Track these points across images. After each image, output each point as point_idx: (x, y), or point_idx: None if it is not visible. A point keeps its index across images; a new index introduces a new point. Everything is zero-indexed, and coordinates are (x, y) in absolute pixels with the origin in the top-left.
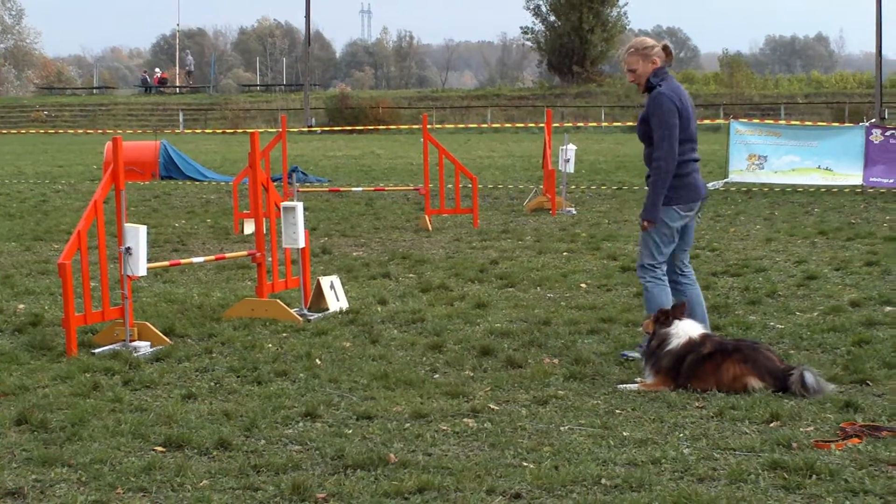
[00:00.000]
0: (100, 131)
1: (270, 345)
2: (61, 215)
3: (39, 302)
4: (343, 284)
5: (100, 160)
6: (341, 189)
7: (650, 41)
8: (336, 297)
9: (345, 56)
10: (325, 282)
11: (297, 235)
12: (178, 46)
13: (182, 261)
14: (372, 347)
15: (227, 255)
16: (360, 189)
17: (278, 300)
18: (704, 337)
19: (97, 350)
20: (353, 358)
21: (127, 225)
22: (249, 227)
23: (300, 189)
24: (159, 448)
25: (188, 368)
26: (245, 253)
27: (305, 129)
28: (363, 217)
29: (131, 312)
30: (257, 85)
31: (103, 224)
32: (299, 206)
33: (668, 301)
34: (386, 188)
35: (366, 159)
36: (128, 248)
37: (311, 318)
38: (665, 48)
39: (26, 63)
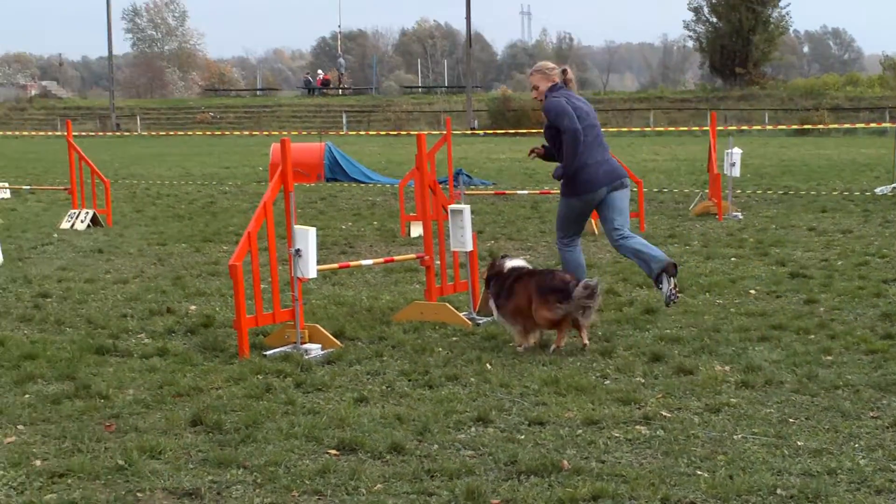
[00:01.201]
0: (264, 133)
1: (440, 348)
2: (229, 217)
3: (210, 303)
4: None
5: (265, 162)
6: (507, 192)
7: (551, 64)
8: None
9: (505, 58)
10: None
11: (465, 239)
12: (339, 48)
13: (351, 263)
14: (541, 352)
15: (396, 257)
16: (526, 192)
17: (447, 304)
18: (518, 268)
19: (269, 352)
20: (522, 363)
21: (296, 227)
22: (416, 230)
23: (466, 192)
24: (333, 451)
25: (359, 371)
26: (413, 256)
27: (468, 132)
28: (529, 220)
29: (302, 314)
30: (419, 87)
31: (273, 226)
32: (467, 209)
33: (577, 263)
34: (551, 191)
35: (528, 162)
36: (297, 250)
37: (480, 322)
38: (564, 71)
39: (190, 65)
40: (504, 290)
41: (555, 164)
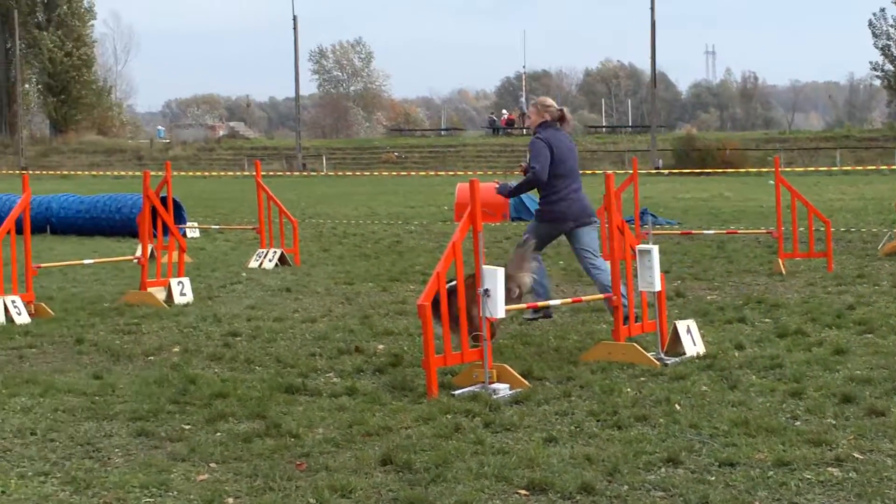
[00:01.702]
0: (449, 172)
1: (629, 389)
2: (415, 256)
3: (398, 342)
4: (699, 328)
5: (450, 201)
6: (693, 232)
7: (549, 101)
8: (692, 342)
9: (689, 97)
10: (681, 326)
11: (653, 279)
12: (524, 88)
13: (539, 303)
14: (731, 393)
15: (584, 297)
16: (712, 232)
17: (635, 344)
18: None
19: (457, 391)
20: (711, 403)
21: (485, 267)
22: None
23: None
24: (523, 491)
25: (548, 412)
26: (601, 296)
27: (653, 171)
28: (715, 260)
29: (490, 354)
30: (603, 126)
31: (462, 266)
32: (655, 249)
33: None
34: (737, 231)
35: (715, 201)
36: (486, 290)
37: (668, 362)
38: (561, 111)
39: (375, 105)
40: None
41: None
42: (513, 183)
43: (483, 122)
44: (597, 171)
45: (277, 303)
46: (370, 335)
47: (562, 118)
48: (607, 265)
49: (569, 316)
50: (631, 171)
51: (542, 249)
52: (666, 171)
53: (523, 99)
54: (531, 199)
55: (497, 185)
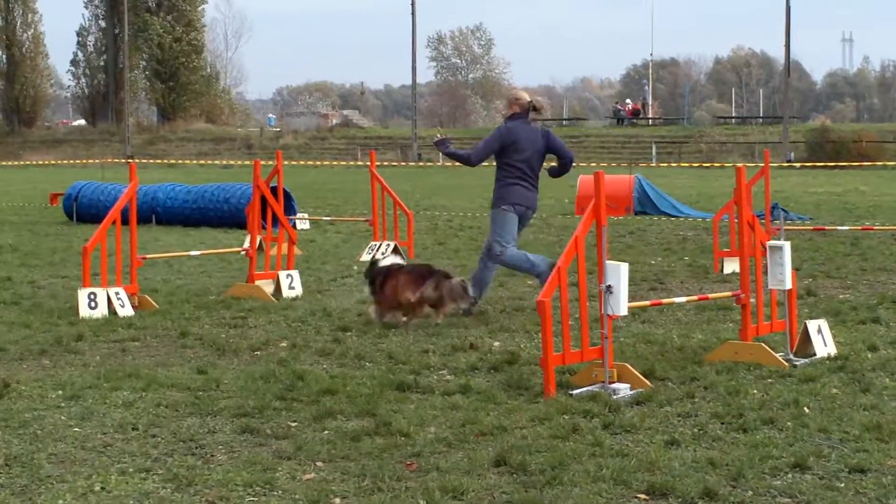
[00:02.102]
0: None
1: (755, 390)
2: (534, 250)
3: (515, 339)
4: (830, 329)
5: (571, 194)
6: (826, 228)
7: (519, 94)
8: (823, 342)
9: (824, 87)
10: (811, 325)
11: (783, 276)
12: (650, 77)
13: (664, 300)
14: (863, 396)
15: (710, 295)
16: (846, 228)
17: (763, 344)
18: (395, 266)
19: (575, 391)
20: (842, 407)
21: (608, 262)
22: (729, 267)
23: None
24: (642, 496)
25: (670, 413)
26: (729, 294)
27: (784, 164)
28: (849, 258)
29: (611, 353)
30: (732, 117)
31: (584, 261)
32: (786, 245)
33: (527, 260)
34: (873, 227)
35: (849, 196)
36: (609, 287)
37: (798, 363)
38: (531, 102)
39: (494, 94)
40: (379, 283)
41: (555, 180)
42: (454, 148)
43: (606, 112)
44: (726, 164)
45: None
46: (485, 332)
47: (533, 109)
48: (503, 260)
49: (693, 314)
50: (762, 164)
51: (517, 237)
52: (798, 164)
53: (647, 88)
54: (656, 191)
55: (437, 139)
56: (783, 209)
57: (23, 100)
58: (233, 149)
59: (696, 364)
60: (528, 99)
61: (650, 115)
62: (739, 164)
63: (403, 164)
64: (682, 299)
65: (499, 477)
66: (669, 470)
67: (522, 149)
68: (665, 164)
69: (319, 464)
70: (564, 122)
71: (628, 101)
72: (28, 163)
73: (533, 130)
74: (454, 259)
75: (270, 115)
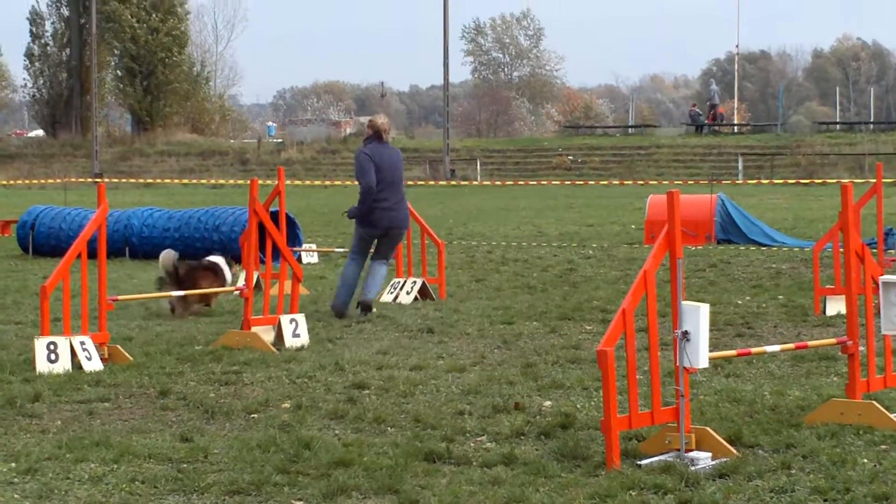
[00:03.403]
0: (638, 182)
1: (866, 459)
2: (593, 288)
3: (570, 398)
4: None
5: (639, 218)
6: None
7: (373, 119)
8: None
9: None
10: None
11: None
12: (737, 74)
13: (753, 350)
14: None
15: (809, 342)
16: None
17: (875, 402)
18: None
19: (644, 461)
20: None
21: (684, 303)
22: (834, 307)
23: None
24: None
25: (760, 488)
26: (833, 341)
27: None
28: None
29: (688, 414)
30: (836, 122)
31: (654, 301)
32: None
33: (351, 274)
34: None
35: None
36: (685, 333)
37: None
38: (372, 126)
39: (545, 96)
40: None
41: None
42: (353, 209)
43: (683, 117)
44: (829, 181)
45: (416, 347)
46: (534, 388)
47: (377, 131)
48: (384, 271)
49: (789, 366)
50: (874, 180)
51: (365, 251)
52: None
53: (715, 87)
54: (743, 214)
55: (348, 212)
56: None
57: None
58: (224, 164)
59: (792, 427)
60: (380, 123)
61: (737, 122)
62: (846, 181)
63: (433, 182)
64: (776, 348)
65: None
66: None
67: (383, 169)
68: (754, 181)
69: None
70: (631, 129)
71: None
72: None
73: (393, 151)
74: (494, 300)
75: (270, 124)
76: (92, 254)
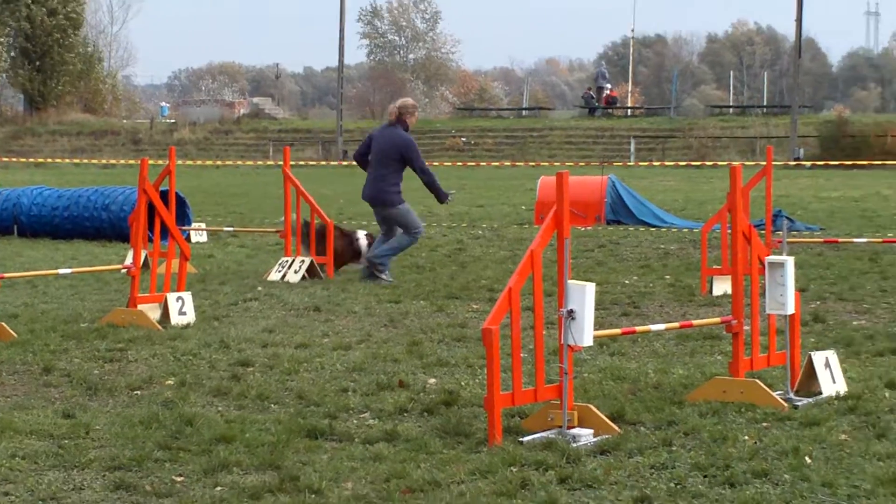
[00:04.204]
0: (530, 163)
1: (747, 437)
2: (482, 268)
3: (454, 375)
4: (840, 362)
5: (529, 199)
6: (839, 240)
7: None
8: (832, 379)
9: (843, 70)
10: (817, 358)
11: (784, 299)
12: (631, 58)
13: (638, 328)
14: (877, 443)
15: (695, 321)
16: (864, 241)
17: (757, 380)
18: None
19: (526, 438)
20: (852, 456)
21: (570, 282)
22: (720, 287)
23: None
24: None
25: (641, 464)
26: (717, 320)
27: (791, 163)
28: (866, 276)
29: (571, 392)
30: (730, 106)
31: (540, 280)
32: (789, 261)
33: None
34: None
35: (869, 202)
36: (570, 311)
37: (799, 403)
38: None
39: (440, 78)
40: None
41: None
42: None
43: (577, 101)
44: (720, 163)
45: (302, 325)
46: (419, 366)
47: (391, 115)
48: (393, 242)
49: (674, 345)
50: (764, 163)
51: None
52: (808, 164)
53: (604, 69)
54: (634, 196)
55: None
56: (788, 217)
57: None
58: (116, 144)
59: (675, 405)
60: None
61: (630, 105)
62: (735, 163)
63: (325, 162)
64: (661, 326)
65: None
66: None
67: (375, 145)
68: (646, 164)
69: None
70: (525, 111)
71: (608, 85)
72: None
73: (389, 132)
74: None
75: (163, 104)
76: None
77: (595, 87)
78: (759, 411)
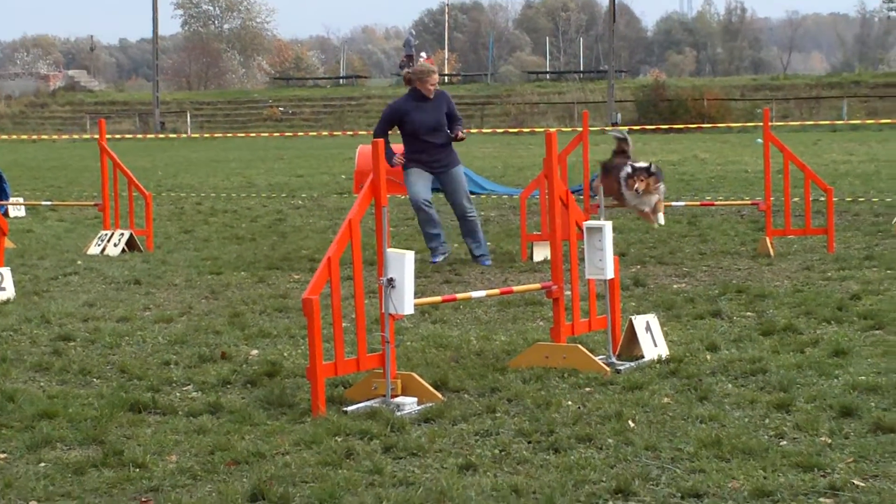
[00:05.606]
0: (348, 132)
1: (570, 402)
2: (302, 238)
3: (277, 347)
4: (662, 325)
5: (349, 168)
6: None
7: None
8: (653, 342)
9: (658, 34)
10: (638, 322)
11: (603, 263)
12: (447, 25)
13: (458, 295)
14: (700, 406)
15: (515, 287)
16: (682, 204)
17: (579, 345)
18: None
19: (350, 408)
20: (675, 419)
21: (390, 251)
22: (540, 253)
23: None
24: None
25: (465, 431)
26: (538, 286)
27: (609, 128)
28: (685, 239)
29: (394, 361)
30: (546, 72)
31: (359, 249)
32: (607, 225)
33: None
34: (715, 202)
35: (687, 165)
36: (390, 280)
37: (622, 367)
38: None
39: (256, 48)
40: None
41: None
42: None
43: (393, 68)
44: (538, 129)
45: (123, 298)
46: (241, 338)
47: (407, 80)
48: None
49: (496, 311)
50: (581, 129)
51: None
52: (625, 128)
53: (412, 37)
54: None
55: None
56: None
57: None
58: None
59: (498, 372)
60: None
61: (447, 72)
62: (552, 129)
63: (142, 135)
64: (482, 293)
65: None
66: (464, 500)
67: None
68: (465, 131)
69: (34, 503)
70: (342, 80)
71: (423, 53)
72: None
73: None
74: (203, 250)
75: None
76: None
77: (404, 55)
78: (582, 376)
